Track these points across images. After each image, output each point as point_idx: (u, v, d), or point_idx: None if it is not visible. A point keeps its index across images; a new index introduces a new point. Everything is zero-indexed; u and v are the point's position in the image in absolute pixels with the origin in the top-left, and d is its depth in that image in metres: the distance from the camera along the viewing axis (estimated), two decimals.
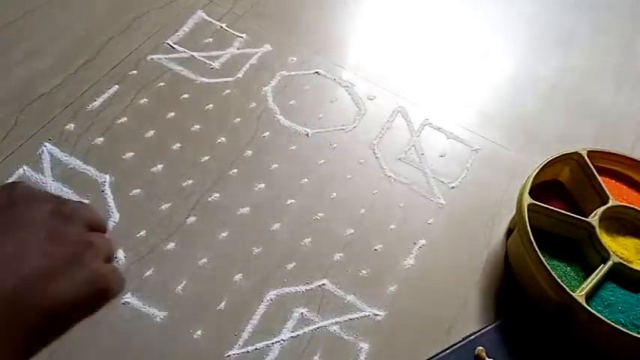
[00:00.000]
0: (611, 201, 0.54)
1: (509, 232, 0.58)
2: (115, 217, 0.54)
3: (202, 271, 0.52)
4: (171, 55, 0.68)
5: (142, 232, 0.53)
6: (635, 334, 0.46)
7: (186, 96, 0.65)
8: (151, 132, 0.61)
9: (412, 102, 0.68)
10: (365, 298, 0.52)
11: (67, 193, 0.55)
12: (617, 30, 0.81)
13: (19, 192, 0.29)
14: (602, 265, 0.51)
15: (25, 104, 0.61)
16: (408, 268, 0.55)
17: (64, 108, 0.61)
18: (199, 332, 0.48)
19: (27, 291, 0.26)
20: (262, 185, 0.59)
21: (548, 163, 0.56)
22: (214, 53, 0.69)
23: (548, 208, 0.54)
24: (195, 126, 0.62)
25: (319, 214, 0.57)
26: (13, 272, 0.26)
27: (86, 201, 0.55)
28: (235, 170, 0.59)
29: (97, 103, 0.62)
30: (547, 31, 0.80)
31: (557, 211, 0.54)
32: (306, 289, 0.52)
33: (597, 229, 0.52)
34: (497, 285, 0.54)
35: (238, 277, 0.52)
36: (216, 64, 0.68)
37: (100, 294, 0.28)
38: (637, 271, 0.51)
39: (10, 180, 0.55)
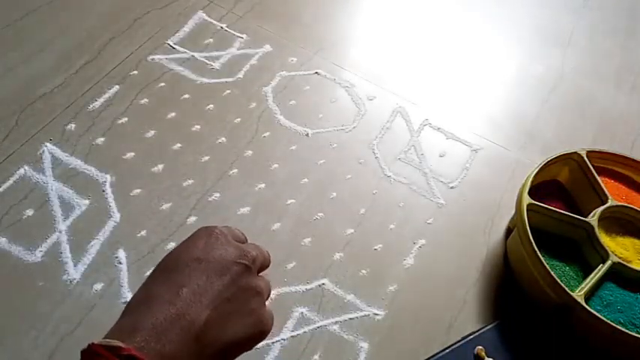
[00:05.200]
0: (610, 201, 0.55)
1: (509, 231, 0.58)
2: (115, 217, 0.54)
3: None
4: (171, 56, 0.68)
5: (143, 232, 0.54)
6: (634, 334, 0.46)
7: (186, 96, 0.65)
8: (152, 132, 0.61)
9: (412, 102, 0.69)
10: (365, 297, 0.52)
11: (68, 192, 0.55)
12: (617, 30, 0.81)
13: (218, 232, 0.37)
14: (601, 264, 0.51)
15: (26, 104, 0.61)
16: (408, 268, 0.55)
17: (65, 108, 0.61)
18: None
19: (212, 328, 0.32)
20: (262, 185, 0.59)
21: (547, 163, 0.56)
22: (215, 54, 0.69)
23: (547, 208, 0.54)
24: (196, 126, 0.63)
25: (319, 214, 0.57)
26: (205, 307, 0.32)
27: (87, 201, 0.55)
28: (235, 170, 0.60)
29: (97, 104, 0.62)
30: (546, 31, 0.80)
31: (556, 211, 0.54)
32: (306, 289, 0.52)
33: (596, 229, 0.53)
34: (497, 285, 0.55)
35: None
36: (216, 65, 0.68)
37: (260, 335, 0.35)
38: (636, 270, 0.51)
39: (12, 180, 0.55)
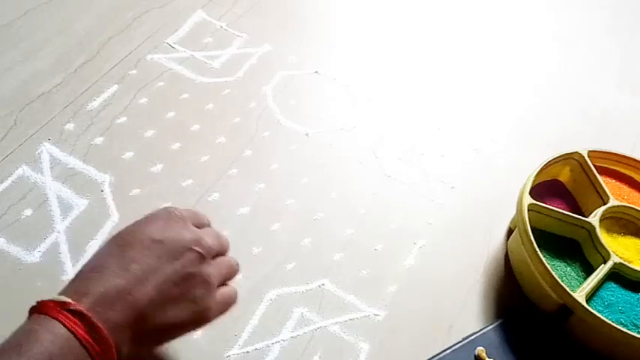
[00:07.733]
0: (611, 201, 0.55)
1: (510, 232, 0.58)
2: (114, 217, 0.54)
3: None
4: (170, 55, 0.68)
5: None
6: (635, 334, 0.46)
7: (185, 96, 0.65)
8: (151, 132, 0.61)
9: (412, 102, 0.69)
10: (365, 298, 0.52)
11: (67, 192, 0.55)
12: (617, 30, 0.81)
13: (178, 215, 0.38)
14: (602, 265, 0.51)
15: (25, 104, 0.61)
16: (408, 268, 0.55)
17: (64, 107, 0.61)
18: (199, 332, 0.48)
19: (153, 309, 0.33)
20: (262, 185, 0.59)
21: (548, 163, 0.56)
22: (214, 53, 0.69)
23: (548, 208, 0.54)
24: (195, 126, 0.62)
25: (319, 214, 0.57)
26: (151, 288, 0.33)
27: (86, 201, 0.55)
28: (235, 170, 0.59)
29: (96, 103, 0.62)
30: (547, 31, 0.80)
31: (557, 211, 0.54)
32: (306, 289, 0.52)
33: (598, 229, 0.52)
34: (498, 285, 0.54)
35: (238, 277, 0.52)
36: (215, 64, 0.68)
37: (200, 322, 0.37)
38: (637, 271, 0.51)
39: (10, 180, 0.55)
